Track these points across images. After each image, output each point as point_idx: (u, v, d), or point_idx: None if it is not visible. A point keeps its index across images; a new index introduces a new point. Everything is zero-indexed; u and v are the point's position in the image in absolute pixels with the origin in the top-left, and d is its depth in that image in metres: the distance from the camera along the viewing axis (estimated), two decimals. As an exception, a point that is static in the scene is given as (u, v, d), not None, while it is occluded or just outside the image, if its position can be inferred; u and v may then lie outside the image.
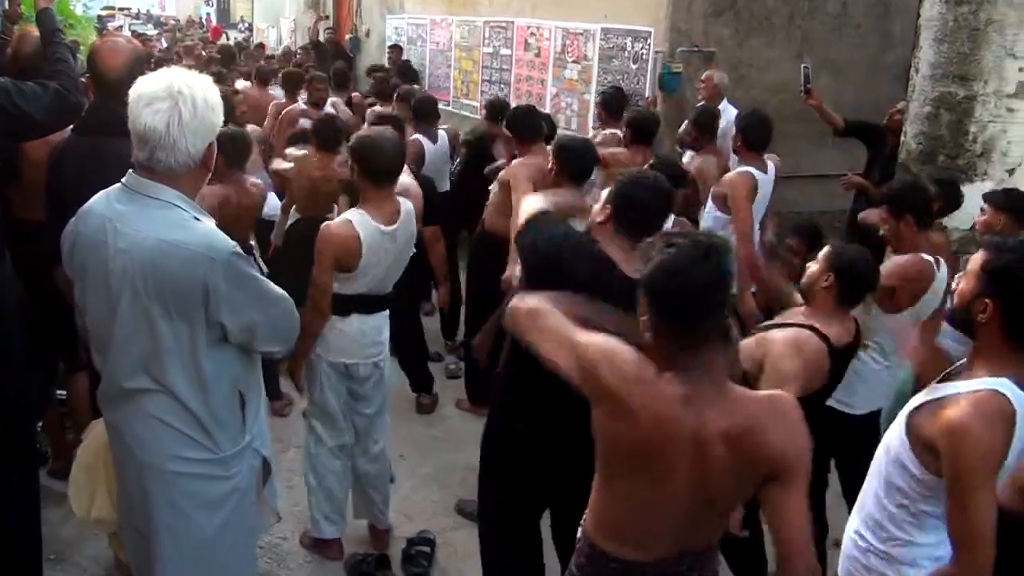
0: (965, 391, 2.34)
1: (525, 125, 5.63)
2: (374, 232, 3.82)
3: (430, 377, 6.04)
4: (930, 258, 3.89)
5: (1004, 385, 2.30)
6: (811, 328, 3.30)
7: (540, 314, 2.49)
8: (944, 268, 3.93)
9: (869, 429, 3.88)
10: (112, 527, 2.93)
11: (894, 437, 2.53)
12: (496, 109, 7.01)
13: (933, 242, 4.07)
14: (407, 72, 11.00)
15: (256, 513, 2.86)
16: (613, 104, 7.24)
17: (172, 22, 27.63)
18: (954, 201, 4.90)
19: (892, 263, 3.91)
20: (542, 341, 2.45)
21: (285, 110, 8.34)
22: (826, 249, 3.48)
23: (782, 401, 2.29)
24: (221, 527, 2.65)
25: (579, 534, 2.51)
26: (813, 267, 3.46)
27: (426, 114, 7.00)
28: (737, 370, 2.71)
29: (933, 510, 2.44)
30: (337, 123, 6.09)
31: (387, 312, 4.16)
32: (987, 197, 4.57)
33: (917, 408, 2.47)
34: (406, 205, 4.00)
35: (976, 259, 2.39)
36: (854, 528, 2.68)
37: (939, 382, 2.52)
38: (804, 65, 6.74)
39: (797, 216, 5.92)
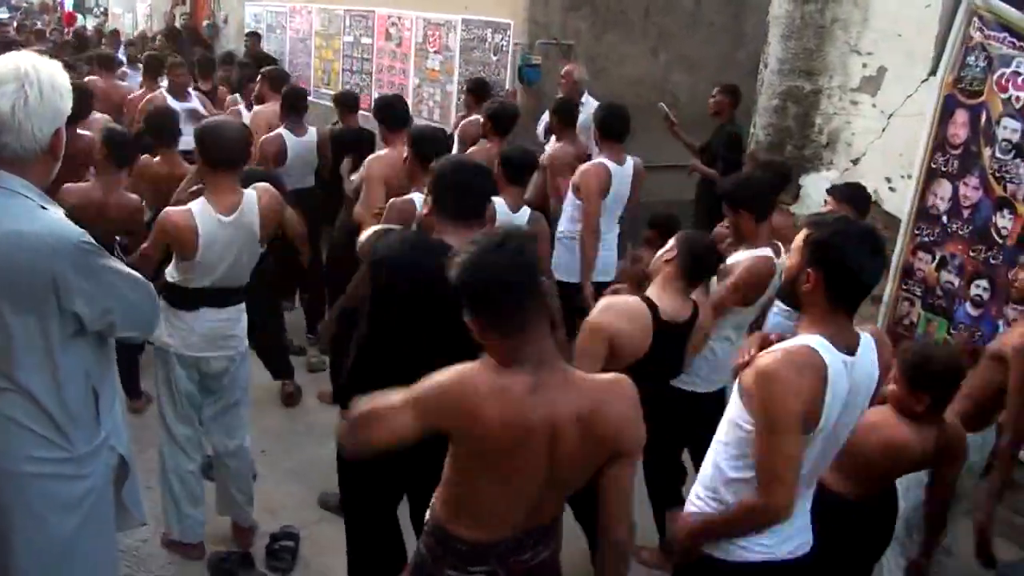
0: (782, 347, 2.55)
1: (391, 114, 5.65)
2: (211, 222, 3.75)
3: (290, 365, 5.97)
4: (768, 251, 4.04)
5: (815, 340, 2.49)
6: (643, 298, 3.47)
7: (367, 413, 2.41)
8: (784, 253, 4.11)
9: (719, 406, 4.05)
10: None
11: (731, 401, 2.71)
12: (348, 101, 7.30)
13: (775, 225, 4.24)
14: (264, 61, 10.64)
15: (116, 515, 2.78)
16: (480, 91, 7.34)
17: (25, 4, 26.26)
18: (784, 179, 5.15)
19: (736, 263, 4.04)
20: (380, 430, 2.38)
21: (148, 97, 7.89)
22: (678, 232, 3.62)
23: (620, 383, 2.37)
24: (78, 528, 2.57)
25: (427, 517, 2.54)
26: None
27: (294, 107, 6.68)
28: (567, 356, 2.79)
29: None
30: (172, 116, 5.79)
31: (242, 305, 4.08)
32: (830, 191, 4.82)
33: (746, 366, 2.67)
34: (249, 195, 3.89)
35: (799, 236, 2.60)
36: (694, 492, 2.82)
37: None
38: (660, 104, 7.32)
39: (655, 205, 6.09)
